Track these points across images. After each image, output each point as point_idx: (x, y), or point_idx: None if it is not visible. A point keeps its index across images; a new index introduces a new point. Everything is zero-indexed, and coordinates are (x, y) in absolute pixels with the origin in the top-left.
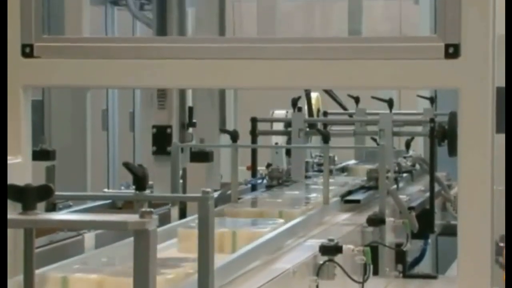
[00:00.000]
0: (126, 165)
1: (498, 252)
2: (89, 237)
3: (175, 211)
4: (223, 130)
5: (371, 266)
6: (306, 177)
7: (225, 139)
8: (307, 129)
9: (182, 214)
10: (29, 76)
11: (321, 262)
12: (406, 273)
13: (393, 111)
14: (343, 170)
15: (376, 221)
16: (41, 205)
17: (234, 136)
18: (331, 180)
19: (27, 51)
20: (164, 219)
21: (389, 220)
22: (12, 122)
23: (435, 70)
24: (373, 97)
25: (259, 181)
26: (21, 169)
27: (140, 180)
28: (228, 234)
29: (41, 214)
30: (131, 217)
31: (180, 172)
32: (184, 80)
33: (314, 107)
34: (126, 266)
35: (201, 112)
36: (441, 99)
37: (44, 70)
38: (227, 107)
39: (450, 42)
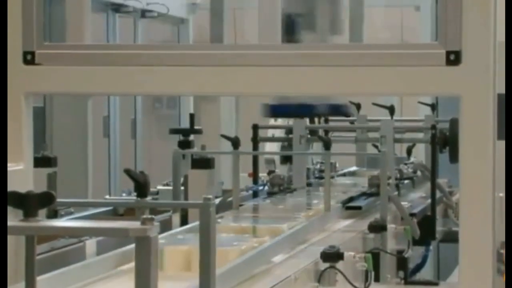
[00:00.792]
0: (128, 172)
1: (498, 259)
2: (90, 244)
3: (176, 218)
4: (224, 137)
5: (373, 273)
6: (308, 184)
7: (226, 145)
8: (309, 136)
9: (184, 221)
10: (31, 83)
11: (322, 268)
12: (408, 280)
13: (394, 117)
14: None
15: (378, 227)
16: (42, 212)
17: (236, 143)
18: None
19: (29, 58)
20: (166, 226)
21: (390, 226)
22: (13, 129)
23: (436, 77)
24: (374, 104)
25: (261, 187)
26: (23, 176)
27: (141, 187)
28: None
29: (43, 221)
30: (133, 224)
31: (182, 179)
32: (186, 87)
33: None
34: None
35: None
36: (442, 106)
37: (46, 77)
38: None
39: (451, 49)
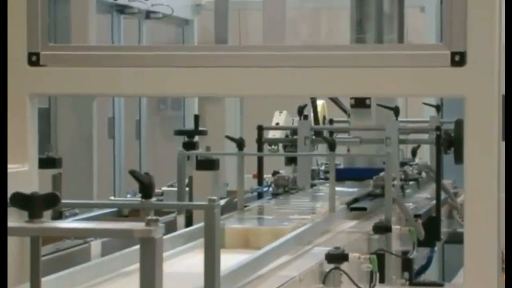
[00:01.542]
0: (132, 173)
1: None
2: (95, 245)
3: (181, 219)
4: (229, 138)
5: (377, 274)
6: (312, 185)
7: (231, 147)
8: (313, 137)
9: (188, 222)
10: (36, 85)
11: (327, 270)
12: (413, 281)
13: (399, 119)
14: None
15: (382, 228)
16: (47, 213)
17: (240, 144)
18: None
19: (34, 60)
20: (170, 227)
21: (395, 228)
22: (18, 130)
23: (441, 78)
24: (379, 105)
25: (265, 189)
26: (28, 177)
27: (146, 188)
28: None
29: (48, 222)
30: (137, 225)
31: (186, 180)
32: (190, 88)
33: (320, 115)
34: None
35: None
36: (447, 107)
37: (51, 78)
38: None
39: (456, 50)
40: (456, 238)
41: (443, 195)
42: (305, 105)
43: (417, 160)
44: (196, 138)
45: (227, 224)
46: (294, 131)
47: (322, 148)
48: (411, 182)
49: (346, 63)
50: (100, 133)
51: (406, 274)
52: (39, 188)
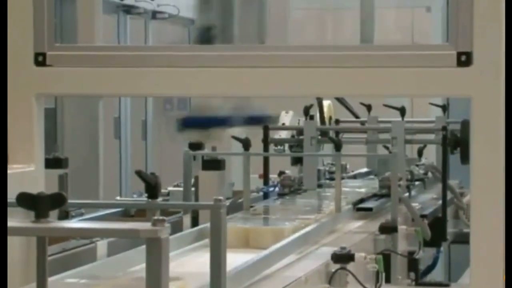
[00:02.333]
0: (139, 173)
1: None
2: (101, 245)
3: (187, 219)
4: (235, 138)
5: (384, 274)
6: (318, 185)
7: (237, 147)
8: (319, 137)
9: (194, 222)
10: (42, 85)
11: (333, 270)
12: (419, 281)
13: (405, 119)
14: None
15: (389, 229)
16: (53, 213)
17: (246, 144)
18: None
19: (40, 60)
20: (176, 227)
21: (401, 228)
22: (25, 130)
23: (447, 78)
24: (385, 105)
25: (271, 189)
26: (34, 177)
27: (152, 189)
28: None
29: (54, 222)
30: (143, 225)
31: (192, 180)
32: (196, 88)
33: (326, 115)
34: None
35: None
36: (453, 107)
37: (57, 78)
38: None
39: (462, 50)
40: (462, 239)
41: (449, 195)
42: (311, 105)
43: (423, 160)
44: None
45: (229, 224)
46: (300, 131)
47: (328, 148)
48: (417, 183)
49: (352, 63)
50: (106, 133)
51: (412, 274)
52: (45, 188)
